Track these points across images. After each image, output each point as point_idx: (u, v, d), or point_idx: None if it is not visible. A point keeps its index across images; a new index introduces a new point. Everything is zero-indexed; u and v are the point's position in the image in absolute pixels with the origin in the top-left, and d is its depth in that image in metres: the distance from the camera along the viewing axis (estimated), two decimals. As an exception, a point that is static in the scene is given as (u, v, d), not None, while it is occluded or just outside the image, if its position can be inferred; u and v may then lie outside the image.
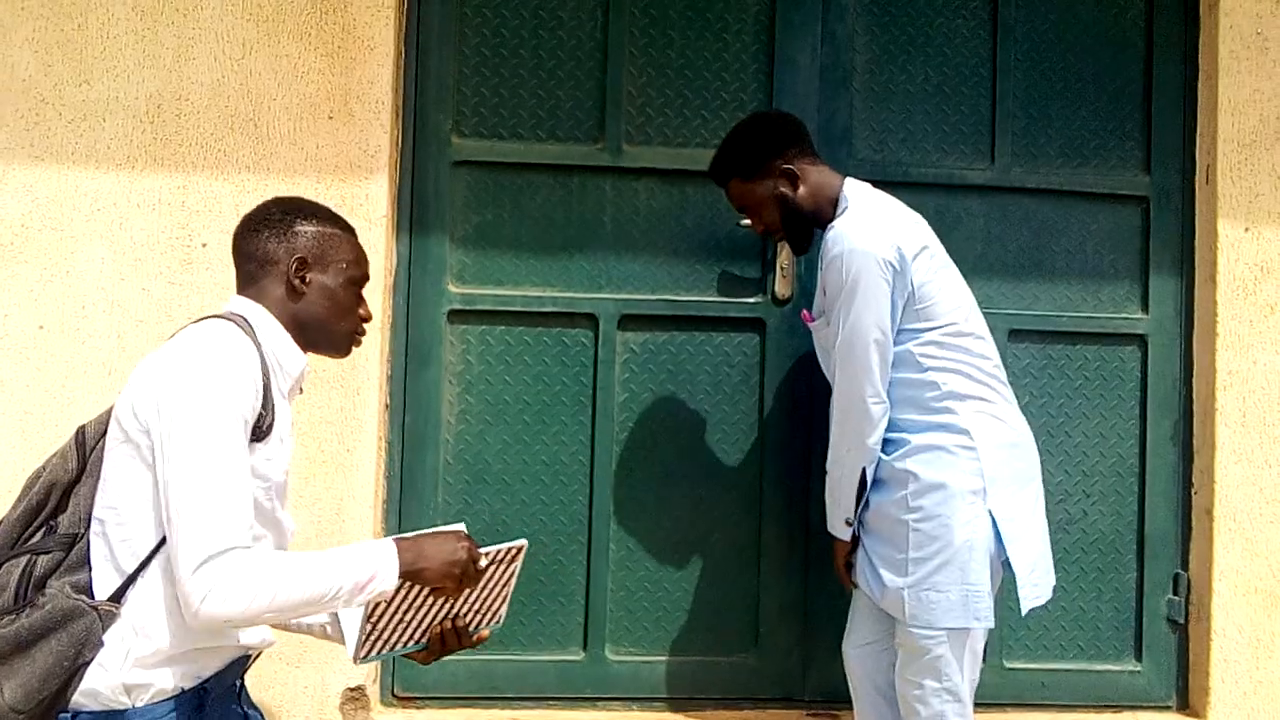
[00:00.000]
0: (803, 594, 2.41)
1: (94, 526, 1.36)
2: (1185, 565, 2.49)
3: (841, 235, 1.89)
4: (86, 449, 1.40)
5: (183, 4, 2.24)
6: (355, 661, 1.44)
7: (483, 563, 1.43)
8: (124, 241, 2.21)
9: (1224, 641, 2.41)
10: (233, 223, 2.19)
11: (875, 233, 1.88)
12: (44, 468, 1.43)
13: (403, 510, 2.34)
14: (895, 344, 1.88)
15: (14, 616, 1.31)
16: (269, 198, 1.59)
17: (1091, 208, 2.51)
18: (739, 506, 2.42)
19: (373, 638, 1.41)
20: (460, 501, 2.37)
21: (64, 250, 2.20)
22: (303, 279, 1.48)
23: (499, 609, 1.54)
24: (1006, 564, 1.87)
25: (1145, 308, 2.51)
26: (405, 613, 1.42)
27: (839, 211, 1.97)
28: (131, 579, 1.32)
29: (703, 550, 2.43)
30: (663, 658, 2.40)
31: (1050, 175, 2.49)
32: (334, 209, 2.18)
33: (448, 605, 1.45)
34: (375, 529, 2.27)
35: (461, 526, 1.48)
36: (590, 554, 2.38)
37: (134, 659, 1.31)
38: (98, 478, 1.38)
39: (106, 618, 1.30)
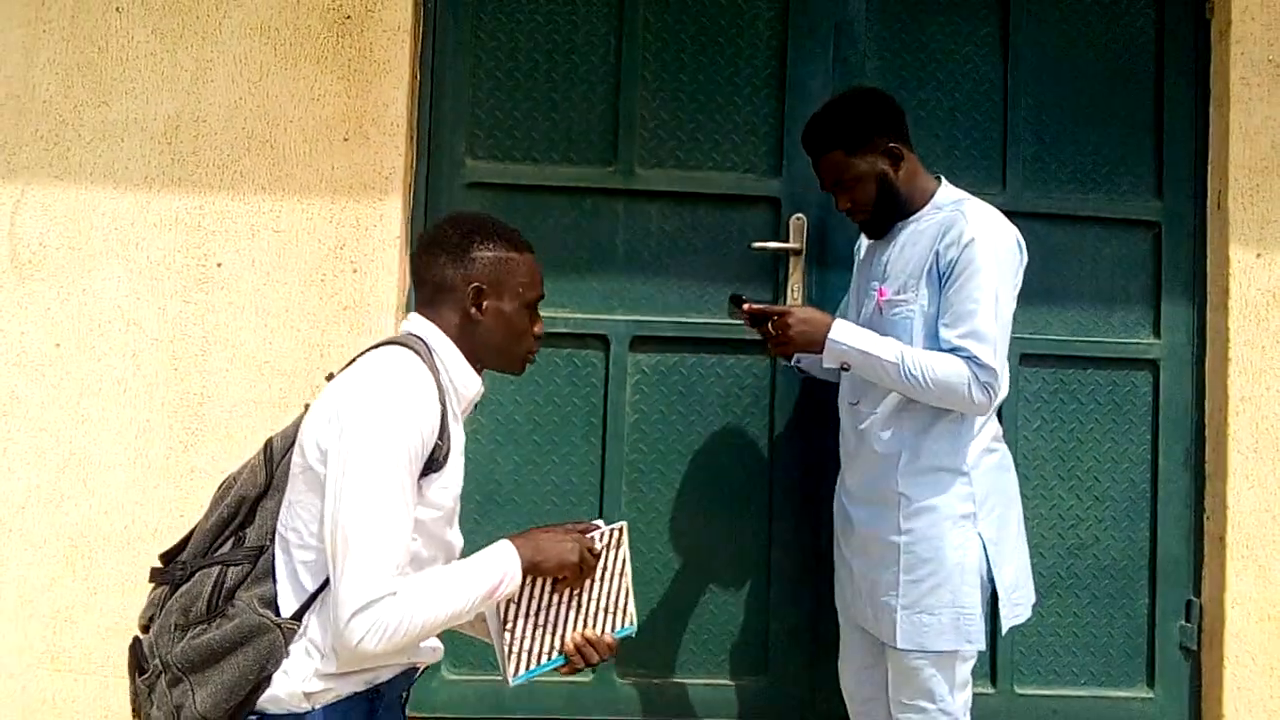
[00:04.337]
0: (812, 617, 2.40)
1: (279, 542, 1.41)
2: (1198, 591, 2.48)
3: (982, 217, 1.86)
4: (274, 463, 1.45)
5: (201, 27, 2.27)
6: (510, 683, 1.48)
7: (617, 561, 1.52)
8: (140, 261, 2.23)
9: (1237, 669, 2.39)
10: (248, 242, 2.25)
11: (1010, 227, 1.90)
12: (235, 480, 1.48)
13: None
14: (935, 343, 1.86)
15: (205, 626, 1.38)
16: (446, 216, 1.62)
17: (1103, 233, 2.51)
18: (749, 529, 2.42)
19: (515, 650, 1.46)
20: (470, 521, 2.37)
21: (81, 269, 2.22)
22: (479, 307, 1.51)
23: (625, 605, 1.57)
24: (990, 584, 1.88)
25: (1157, 333, 2.51)
26: (535, 614, 1.47)
27: (934, 205, 1.94)
28: (311, 599, 1.38)
29: (712, 572, 2.42)
30: (671, 680, 2.39)
31: (1061, 200, 2.50)
32: (350, 231, 2.26)
33: (574, 603, 1.50)
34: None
35: (601, 523, 1.57)
36: (600, 575, 2.38)
37: (314, 670, 1.37)
38: (283, 492, 1.43)
39: (289, 634, 1.37)
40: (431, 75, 2.39)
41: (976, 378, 1.80)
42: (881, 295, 1.97)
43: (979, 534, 1.86)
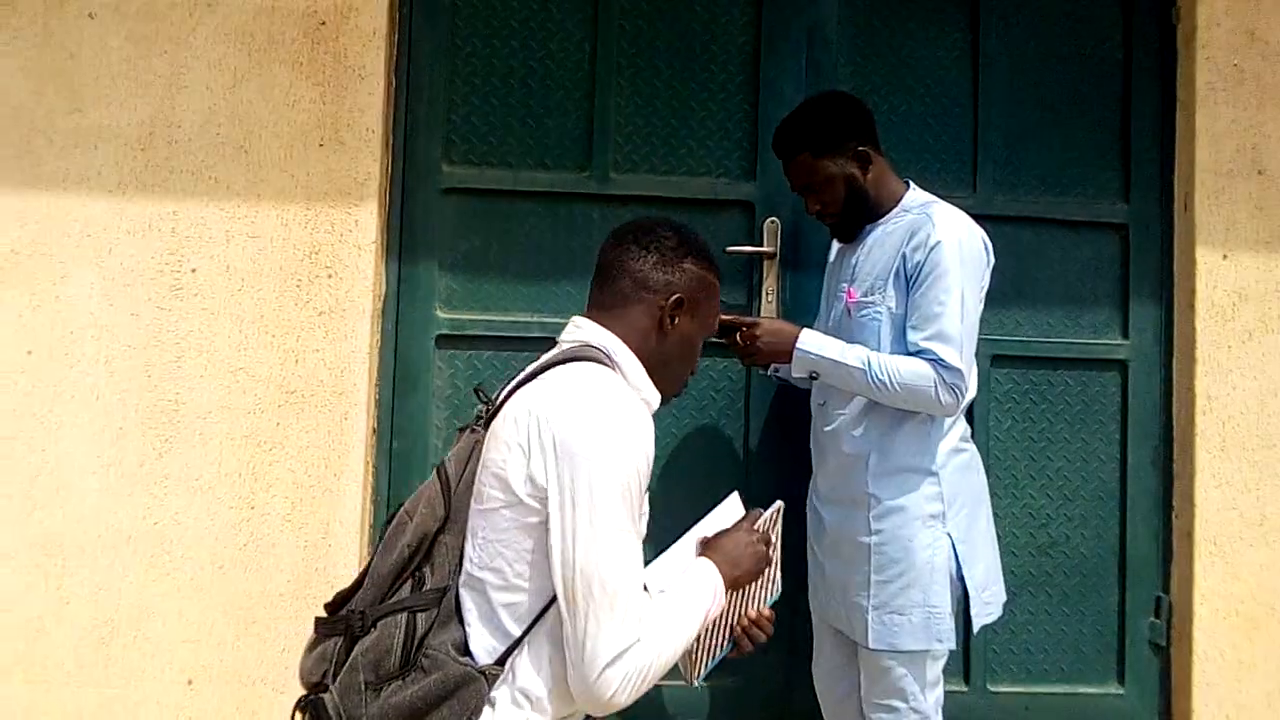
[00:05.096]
0: (788, 617, 2.41)
1: (466, 582, 1.31)
2: (1167, 588, 2.51)
3: (948, 220, 1.88)
4: (450, 493, 1.34)
5: (175, 33, 2.26)
6: (694, 683, 1.47)
7: (773, 539, 1.50)
8: (114, 267, 2.22)
9: (1206, 665, 2.43)
10: (223, 248, 2.25)
11: (976, 229, 1.92)
12: (408, 514, 1.36)
13: (390, 535, 2.34)
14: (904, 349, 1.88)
15: (401, 682, 1.26)
16: (658, 216, 1.53)
17: (1072, 235, 2.55)
18: (725, 531, 2.43)
19: (698, 653, 1.44)
20: (447, 526, 2.38)
21: (53, 276, 2.21)
22: (673, 318, 1.43)
23: (774, 575, 1.57)
24: (960, 583, 1.90)
25: (1125, 334, 2.54)
26: (719, 615, 1.47)
27: (903, 208, 1.96)
28: (517, 643, 1.29)
29: (689, 574, 2.43)
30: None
31: (1031, 204, 2.53)
32: (326, 236, 2.26)
33: (739, 589, 1.49)
34: (361, 554, 2.27)
35: (735, 496, 1.56)
36: (577, 578, 2.39)
37: None
38: (462, 525, 1.32)
39: (492, 681, 1.27)
40: (407, 81, 2.40)
41: (942, 380, 1.82)
42: (850, 297, 1.99)
43: (948, 534, 1.88)
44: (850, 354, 1.88)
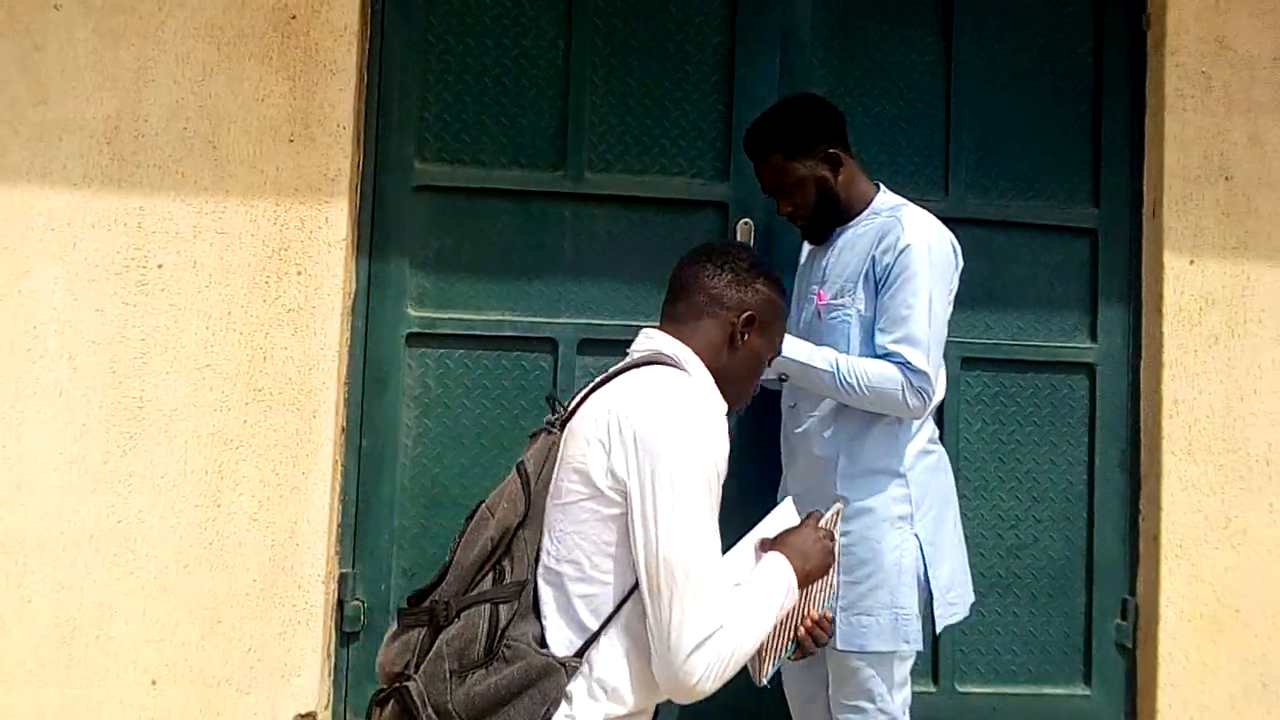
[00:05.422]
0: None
1: (544, 575, 1.35)
2: (1133, 591, 2.54)
3: (918, 223, 1.88)
4: (530, 489, 1.38)
5: (143, 26, 2.24)
6: (761, 683, 1.49)
7: (837, 534, 1.53)
8: (78, 262, 2.19)
9: (1171, 666, 2.45)
10: (190, 244, 2.22)
11: (945, 233, 1.92)
12: (490, 510, 1.39)
13: (358, 534, 2.33)
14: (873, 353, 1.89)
15: (484, 671, 1.30)
16: (729, 241, 1.60)
17: (1042, 239, 2.56)
18: (696, 531, 2.43)
19: (765, 653, 1.46)
20: (417, 526, 2.36)
21: (16, 270, 2.18)
22: (744, 335, 1.49)
23: (832, 578, 1.58)
24: (926, 584, 1.91)
25: (1094, 337, 2.56)
26: (785, 616, 1.48)
27: (873, 211, 1.97)
28: (594, 636, 1.32)
29: (660, 575, 2.43)
30: (619, 683, 2.40)
31: (1002, 207, 2.55)
32: (295, 233, 2.24)
33: (803, 591, 1.50)
34: (329, 554, 2.25)
35: (790, 501, 1.60)
36: (547, 578, 2.38)
37: (604, 714, 1.32)
38: (540, 521, 1.37)
39: (572, 673, 1.31)
40: (379, 77, 2.38)
41: (910, 383, 1.83)
42: (820, 299, 2.00)
43: (915, 535, 1.89)
44: (819, 356, 1.88)
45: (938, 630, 1.94)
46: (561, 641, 1.33)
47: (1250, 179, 2.53)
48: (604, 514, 1.33)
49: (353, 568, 2.32)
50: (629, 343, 2.37)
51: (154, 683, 2.16)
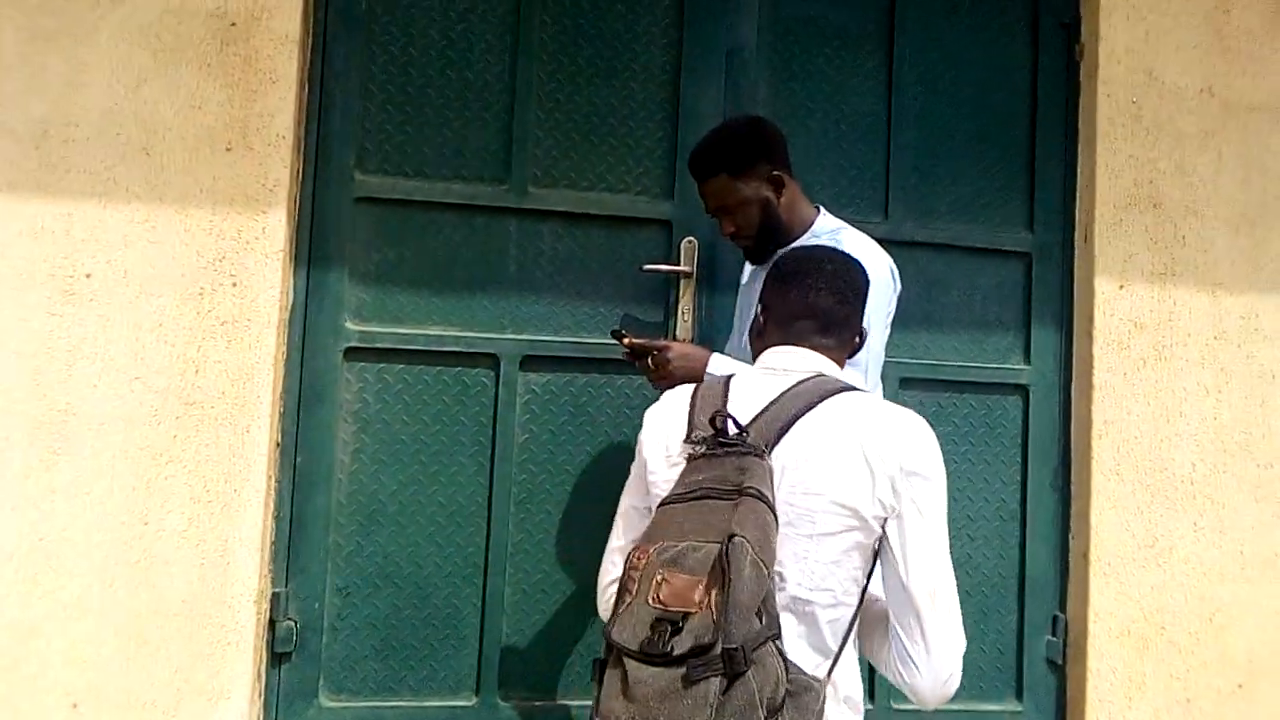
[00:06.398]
0: (698, 637, 2.42)
1: (787, 605, 1.36)
2: (1063, 607, 2.59)
3: (857, 246, 1.89)
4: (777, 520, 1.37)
5: (76, 28, 2.18)
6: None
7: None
8: (3, 270, 2.12)
9: (1099, 682, 2.50)
10: (121, 253, 2.16)
11: (884, 257, 1.94)
12: (758, 545, 1.25)
13: (291, 551, 2.28)
14: None
15: (780, 713, 1.26)
16: (835, 268, 1.55)
17: (978, 262, 2.62)
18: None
19: None
20: (352, 543, 2.32)
21: (-64, 277, 2.10)
22: (853, 354, 1.59)
23: None
24: None
25: (1027, 359, 2.62)
26: None
27: (813, 233, 1.98)
28: (836, 657, 1.38)
29: (600, 593, 2.42)
30: (556, 701, 2.38)
31: (940, 230, 2.60)
32: (231, 244, 2.19)
33: None
34: (261, 572, 2.20)
35: None
36: (485, 597, 2.35)
37: None
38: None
39: (825, 694, 1.35)
40: (321, 87, 2.35)
41: None
42: None
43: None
44: None
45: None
46: (809, 665, 1.36)
47: (1178, 207, 2.61)
48: (864, 543, 1.38)
49: (286, 586, 2.27)
50: (572, 359, 2.42)
51: (75, 706, 2.09)
